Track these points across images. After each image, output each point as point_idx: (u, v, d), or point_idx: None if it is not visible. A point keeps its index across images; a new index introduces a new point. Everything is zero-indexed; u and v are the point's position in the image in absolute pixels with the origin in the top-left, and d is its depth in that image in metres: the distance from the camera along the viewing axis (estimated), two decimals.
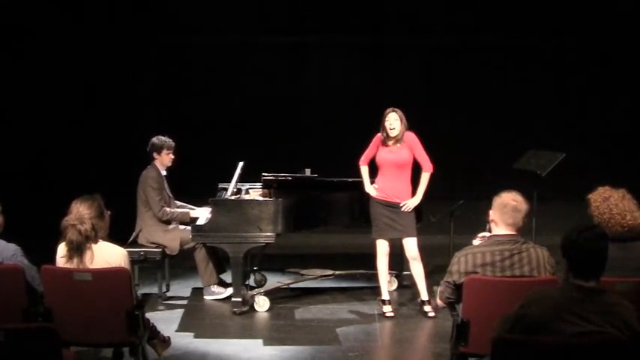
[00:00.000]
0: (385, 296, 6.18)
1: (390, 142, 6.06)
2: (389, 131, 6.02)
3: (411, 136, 6.08)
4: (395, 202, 6.06)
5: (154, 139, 6.67)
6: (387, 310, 6.13)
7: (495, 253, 3.92)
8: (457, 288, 3.96)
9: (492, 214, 4.06)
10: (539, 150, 7.34)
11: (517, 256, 3.92)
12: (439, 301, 4.14)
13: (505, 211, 3.99)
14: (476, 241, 4.20)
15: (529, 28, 10.05)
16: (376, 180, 6.17)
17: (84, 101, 9.57)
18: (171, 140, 6.66)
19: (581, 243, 3.11)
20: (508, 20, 9.98)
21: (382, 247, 6.11)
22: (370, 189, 6.16)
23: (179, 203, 6.83)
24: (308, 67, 10.38)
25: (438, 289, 4.13)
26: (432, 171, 6.08)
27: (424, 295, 6.13)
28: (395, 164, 6.04)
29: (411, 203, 6.06)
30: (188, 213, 6.61)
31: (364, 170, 6.25)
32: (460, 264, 3.94)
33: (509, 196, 4.04)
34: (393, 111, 6.02)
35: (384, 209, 6.07)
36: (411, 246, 6.08)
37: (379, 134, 6.11)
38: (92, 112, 9.59)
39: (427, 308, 6.10)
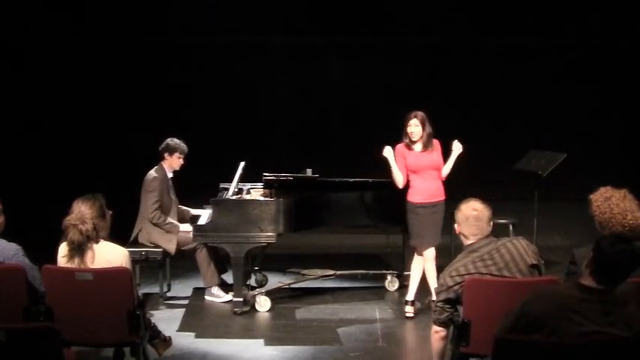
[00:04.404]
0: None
1: (417, 147, 6.06)
2: (411, 135, 6.04)
3: (437, 143, 6.13)
4: (435, 202, 6.06)
5: (169, 140, 6.57)
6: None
7: (476, 260, 3.93)
8: (450, 302, 3.96)
9: (457, 227, 4.07)
10: (541, 150, 7.34)
11: (497, 254, 3.93)
12: (434, 329, 4.06)
13: (469, 224, 4.00)
14: None
15: (530, 28, 10.05)
16: (412, 183, 6.08)
17: (86, 101, 9.58)
18: (185, 146, 6.57)
19: (609, 252, 3.09)
20: (509, 20, 9.98)
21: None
22: (389, 151, 6.04)
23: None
24: (309, 67, 10.38)
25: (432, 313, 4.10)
26: None
27: (410, 296, 6.15)
28: (432, 167, 6.07)
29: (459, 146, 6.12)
30: (177, 227, 6.49)
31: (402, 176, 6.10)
32: (447, 281, 3.94)
33: (469, 206, 4.03)
34: (414, 116, 6.05)
35: (425, 214, 6.02)
36: (431, 253, 6.07)
37: (399, 145, 6.10)
38: (94, 111, 9.59)
39: (408, 309, 6.14)
